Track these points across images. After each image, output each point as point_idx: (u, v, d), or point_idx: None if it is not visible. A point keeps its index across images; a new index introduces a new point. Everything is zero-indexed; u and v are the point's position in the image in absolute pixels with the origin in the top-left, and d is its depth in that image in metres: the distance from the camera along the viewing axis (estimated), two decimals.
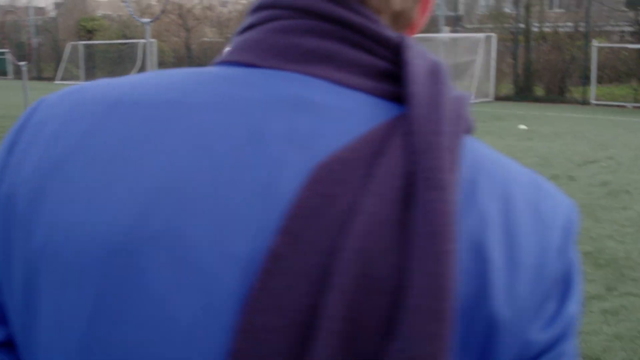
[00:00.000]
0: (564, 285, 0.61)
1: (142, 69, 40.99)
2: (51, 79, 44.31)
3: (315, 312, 0.50)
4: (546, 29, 28.01)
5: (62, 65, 42.69)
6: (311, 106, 0.58)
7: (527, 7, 27.42)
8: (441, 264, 0.51)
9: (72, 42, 43.23)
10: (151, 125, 0.56)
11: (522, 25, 27.16)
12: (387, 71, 0.61)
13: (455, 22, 29.56)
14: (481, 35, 26.70)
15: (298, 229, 0.52)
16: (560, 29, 27.57)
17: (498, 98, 26.63)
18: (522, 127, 16.60)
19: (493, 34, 26.70)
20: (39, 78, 46.78)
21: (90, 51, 43.12)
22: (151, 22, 7.72)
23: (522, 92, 26.29)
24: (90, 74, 42.93)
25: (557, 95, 25.69)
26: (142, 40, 40.60)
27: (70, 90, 0.63)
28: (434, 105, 0.57)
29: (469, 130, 0.62)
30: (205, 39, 41.57)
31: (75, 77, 42.78)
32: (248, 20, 0.65)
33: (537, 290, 0.58)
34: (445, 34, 28.48)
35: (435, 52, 27.45)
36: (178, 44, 42.13)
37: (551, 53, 26.49)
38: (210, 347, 0.52)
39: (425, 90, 0.58)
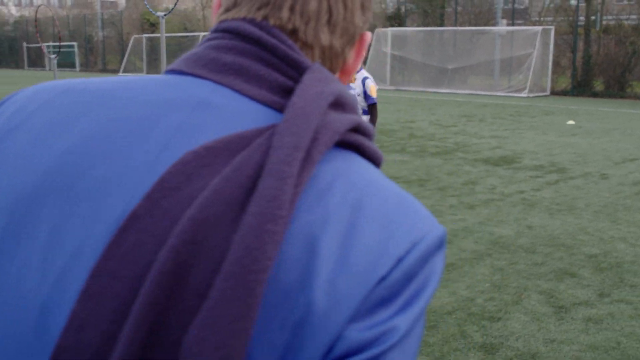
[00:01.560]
0: (405, 298, 0.64)
1: None
2: (116, 71, 45.37)
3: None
4: (609, 22, 26.92)
5: (126, 57, 43.60)
6: (209, 106, 0.69)
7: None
8: (259, 240, 0.58)
9: (136, 35, 44.10)
10: (81, 107, 0.71)
11: (582, 18, 26.15)
12: (288, 88, 0.71)
13: (514, 15, 28.73)
14: (538, 28, 25.90)
15: (157, 197, 0.62)
16: (625, 22, 26.44)
17: (555, 92, 25.79)
18: (570, 122, 16.00)
19: (551, 27, 25.85)
20: (104, 70, 47.97)
21: (152, 44, 43.90)
22: (165, 15, 7.82)
23: (580, 87, 25.36)
24: (152, 66, 43.75)
25: (616, 90, 24.69)
26: (203, 33, 41.16)
27: (47, 82, 0.78)
28: (302, 117, 0.65)
29: (357, 147, 0.72)
30: None
31: (138, 69, 43.76)
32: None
33: (362, 291, 0.61)
34: (502, 27, 27.73)
35: (492, 45, 26.80)
36: None
37: (612, 46, 25.45)
38: (76, 287, 0.62)
39: (302, 105, 0.67)
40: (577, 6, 26.10)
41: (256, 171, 0.62)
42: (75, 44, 49.91)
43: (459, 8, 30.59)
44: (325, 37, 0.75)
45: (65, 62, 50.27)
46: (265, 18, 0.73)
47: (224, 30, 0.75)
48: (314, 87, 0.69)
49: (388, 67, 30.25)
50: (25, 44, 58.84)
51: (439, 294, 4.88)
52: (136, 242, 0.61)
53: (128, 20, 50.41)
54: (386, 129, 14.77)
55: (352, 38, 0.78)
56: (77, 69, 48.65)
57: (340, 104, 0.71)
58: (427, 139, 13.09)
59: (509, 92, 25.86)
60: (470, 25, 29.97)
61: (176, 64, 0.76)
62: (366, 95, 6.14)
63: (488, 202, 7.78)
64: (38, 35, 10.73)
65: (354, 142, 0.71)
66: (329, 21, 0.74)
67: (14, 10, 70.07)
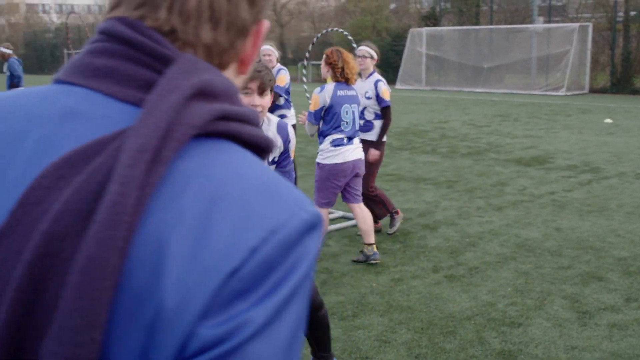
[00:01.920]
0: (265, 288, 0.62)
1: None
2: None
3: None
4: None
5: None
6: (77, 115, 0.69)
7: None
8: (100, 248, 0.58)
9: None
10: None
11: (621, 14, 25.58)
12: (155, 82, 0.69)
13: (551, 12, 28.24)
14: (576, 24, 25.41)
15: (20, 213, 0.63)
16: None
17: (593, 90, 25.28)
18: (608, 121, 15.64)
19: (589, 23, 25.35)
20: None
21: None
22: None
23: (619, 84, 24.80)
24: None
25: None
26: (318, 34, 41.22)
27: None
28: (151, 116, 0.64)
29: (231, 135, 0.71)
30: (303, 34, 41.73)
31: None
32: None
33: (211, 287, 0.60)
34: (539, 24, 27.29)
35: (528, 43, 26.40)
36: (272, 39, 42.62)
37: None
38: None
39: (155, 101, 0.65)
40: (616, 2, 25.53)
41: (106, 177, 0.62)
42: None
43: (495, 6, 30.19)
44: (207, 35, 0.73)
45: None
46: (142, 18, 0.72)
47: (100, 32, 0.75)
48: (174, 79, 0.68)
49: (423, 67, 30.01)
50: (65, 51, 59.91)
51: (458, 298, 4.77)
52: (2, 260, 0.62)
53: None
54: (418, 129, 14.64)
55: (242, 31, 0.76)
56: None
57: (208, 94, 0.70)
58: (459, 140, 12.93)
59: (546, 90, 25.43)
60: (506, 23, 29.56)
61: (59, 72, 0.76)
62: (379, 98, 6.05)
63: (517, 204, 7.62)
64: (69, 41, 10.88)
65: (224, 131, 0.70)
66: (211, 18, 0.73)
67: (55, 18, 71.39)
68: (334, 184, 5.44)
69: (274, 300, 0.62)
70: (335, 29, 6.63)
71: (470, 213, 7.25)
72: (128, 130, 0.64)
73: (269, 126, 3.42)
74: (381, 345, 4.09)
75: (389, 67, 32.48)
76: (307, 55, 7.98)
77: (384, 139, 6.26)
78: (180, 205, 0.63)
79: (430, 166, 10.13)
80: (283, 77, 7.11)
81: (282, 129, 3.44)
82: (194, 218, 0.62)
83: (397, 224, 6.36)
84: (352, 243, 6.21)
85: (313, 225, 0.67)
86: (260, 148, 0.75)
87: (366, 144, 6.12)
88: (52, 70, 62.55)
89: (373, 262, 5.53)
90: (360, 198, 5.67)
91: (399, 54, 30.93)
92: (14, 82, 13.46)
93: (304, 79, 15.48)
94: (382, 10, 35.14)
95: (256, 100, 3.20)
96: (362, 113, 6.17)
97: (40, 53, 63.23)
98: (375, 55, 6.14)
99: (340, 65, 5.33)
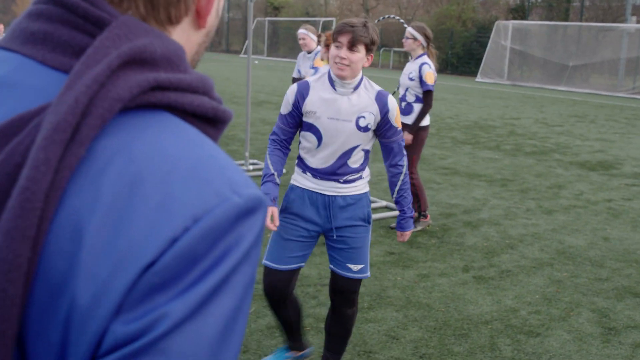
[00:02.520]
0: (187, 281, 0.57)
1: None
2: (238, 52, 46.46)
3: None
4: None
5: (248, 39, 44.54)
6: (7, 86, 0.64)
7: None
8: (7, 238, 0.54)
9: (259, 18, 44.90)
10: None
11: None
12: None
13: None
14: None
15: None
16: None
17: None
18: None
19: None
20: (227, 51, 49.21)
21: (274, 27, 44.60)
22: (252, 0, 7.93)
23: None
24: (273, 50, 44.48)
25: None
26: (324, 19, 41.35)
27: None
28: (70, 91, 0.59)
29: (170, 107, 0.65)
30: (392, 20, 41.35)
31: (259, 51, 44.60)
32: None
33: (125, 281, 0.56)
34: (631, 24, 26.13)
35: (618, 43, 25.37)
36: None
37: None
38: None
39: (77, 72, 0.60)
40: None
41: (24, 159, 0.57)
42: None
43: (587, 3, 29.10)
44: None
45: None
46: None
47: None
48: (103, 47, 0.62)
49: (506, 62, 29.27)
50: None
51: (481, 301, 4.62)
52: None
53: (254, 3, 51.30)
54: (487, 124, 14.28)
55: None
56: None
57: (143, 61, 0.63)
58: (526, 138, 12.54)
59: (632, 93, 24.37)
60: (597, 21, 28.45)
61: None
62: (421, 81, 5.86)
63: (569, 209, 7.33)
64: None
65: (159, 103, 0.64)
66: None
67: None
68: None
69: (196, 293, 0.57)
70: (388, 16, 6.48)
71: (518, 214, 7.01)
72: (49, 106, 0.59)
73: (367, 92, 3.21)
74: (388, 341, 4.00)
75: (471, 58, 31.87)
76: None
77: (426, 123, 6.05)
78: (98, 189, 0.58)
79: (489, 162, 9.87)
80: (319, 60, 7.05)
81: (380, 97, 3.20)
82: (111, 203, 0.57)
83: (419, 227, 6.20)
84: (387, 234, 6.10)
85: (249, 210, 0.61)
86: (208, 119, 0.68)
87: (406, 128, 5.98)
88: None
89: None
90: None
91: (484, 46, 30.27)
92: None
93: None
94: (470, 1, 34.40)
95: (342, 53, 3.05)
96: (404, 95, 6.04)
97: None
98: (418, 37, 5.89)
99: None
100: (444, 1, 35.64)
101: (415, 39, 5.90)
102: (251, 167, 8.56)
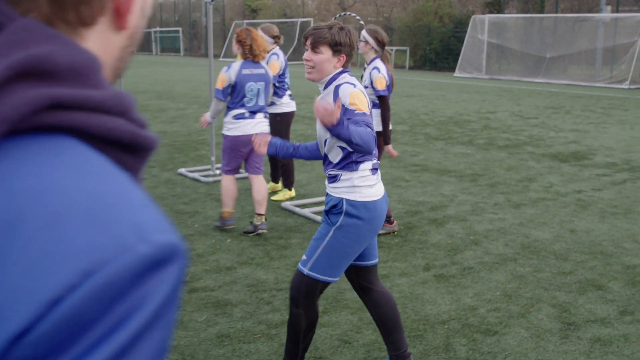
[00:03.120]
0: (75, 352, 0.44)
1: (299, 47, 41.69)
2: (217, 56, 46.30)
3: None
4: None
5: (226, 43, 44.33)
6: None
7: None
8: None
9: (237, 21, 44.73)
10: None
11: None
12: None
13: (619, 1, 27.03)
14: None
15: None
16: None
17: None
18: None
19: None
20: (206, 55, 49.02)
21: None
22: (212, 1, 7.86)
23: None
24: None
25: None
26: (301, 19, 41.20)
27: None
28: None
29: (73, 129, 0.53)
30: (370, 18, 41.30)
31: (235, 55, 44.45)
32: None
33: None
34: (606, 14, 26.18)
35: (594, 33, 25.42)
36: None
37: None
38: None
39: None
40: None
41: None
42: (180, 29, 51.24)
43: None
44: None
45: (170, 47, 51.73)
46: None
47: None
48: None
49: (484, 56, 29.26)
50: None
51: (440, 300, 4.52)
52: None
53: (231, 6, 51.29)
54: (462, 119, 14.21)
55: None
56: (182, 53, 49.92)
57: (41, 73, 0.52)
58: (500, 131, 12.47)
59: (609, 83, 24.40)
60: (572, 12, 28.50)
61: None
62: (373, 87, 5.69)
63: (537, 202, 7.25)
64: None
65: (61, 124, 0.53)
66: None
67: None
68: (235, 153, 5.97)
69: None
70: (347, 13, 6.36)
71: (485, 209, 6.92)
72: None
73: (333, 88, 3.18)
74: (340, 346, 3.89)
75: (449, 54, 31.85)
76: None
77: (389, 127, 5.90)
78: None
79: (460, 158, 9.78)
80: (273, 64, 6.87)
81: (336, 90, 3.18)
82: None
83: (383, 231, 6.00)
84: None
85: (159, 261, 0.49)
86: (124, 145, 0.56)
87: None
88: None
89: (260, 232, 5.90)
90: (260, 171, 6.12)
91: (461, 41, 30.26)
92: None
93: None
94: None
95: (306, 54, 3.14)
96: None
97: None
98: (369, 40, 5.71)
99: (248, 42, 5.83)
100: None
101: (367, 42, 5.73)
102: (217, 172, 8.42)
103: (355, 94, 3.11)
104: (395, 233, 6.04)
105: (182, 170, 8.55)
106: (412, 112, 15.25)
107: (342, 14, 6.59)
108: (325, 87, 3.22)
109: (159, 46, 53.09)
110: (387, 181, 8.16)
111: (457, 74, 29.06)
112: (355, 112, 3.08)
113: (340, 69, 3.22)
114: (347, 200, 3.16)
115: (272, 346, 3.85)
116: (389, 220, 6.03)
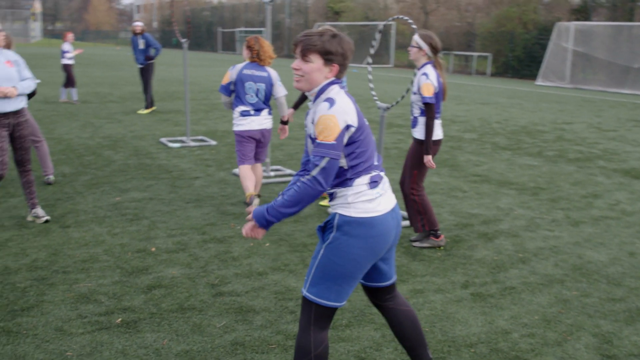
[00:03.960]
0: None
1: (380, 50, 41.37)
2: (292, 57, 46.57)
3: None
4: None
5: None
6: None
7: None
8: None
9: (319, 23, 44.85)
10: None
11: None
12: None
13: None
14: None
15: None
16: None
17: None
18: None
19: None
20: (289, 56, 49.40)
21: None
22: (271, 1, 7.86)
23: None
24: None
25: None
26: (383, 22, 40.96)
27: None
28: None
29: None
30: (456, 22, 40.65)
31: None
32: None
33: None
34: None
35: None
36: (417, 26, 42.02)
37: None
38: None
39: None
40: None
41: None
42: (263, 29, 51.79)
43: None
44: None
45: None
46: None
47: None
48: None
49: (568, 64, 28.27)
50: (220, 29, 62.06)
51: (472, 321, 4.26)
52: None
53: (314, 8, 51.51)
54: (536, 129, 13.70)
55: None
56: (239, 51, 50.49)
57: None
58: (573, 143, 11.93)
59: None
60: None
61: None
62: (420, 94, 5.44)
63: (599, 220, 6.83)
64: (174, 20, 11.02)
65: None
66: None
67: None
68: (245, 147, 6.64)
69: None
70: (398, 17, 6.14)
71: (541, 225, 6.56)
72: None
73: (321, 102, 2.95)
74: None
75: (532, 61, 30.94)
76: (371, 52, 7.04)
77: (437, 137, 5.65)
78: None
79: (525, 170, 9.38)
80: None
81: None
82: None
83: (427, 245, 5.78)
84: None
85: None
86: None
87: (416, 142, 5.65)
88: (207, 46, 65.12)
89: (252, 207, 6.32)
90: (262, 161, 6.90)
91: (545, 48, 29.34)
92: (149, 54, 14.05)
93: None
94: (531, 2, 33.42)
95: (295, 63, 2.93)
96: (412, 108, 5.70)
97: (197, 30, 65.95)
98: (423, 46, 5.49)
99: (256, 48, 6.57)
100: (505, 3, 34.73)
101: (420, 47, 5.51)
102: (272, 174, 8.35)
103: (326, 119, 2.80)
104: (442, 248, 5.78)
105: (236, 170, 8.51)
106: (484, 120, 14.81)
107: (396, 17, 6.36)
108: (314, 99, 2.95)
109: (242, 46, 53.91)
110: (443, 191, 7.88)
111: (539, 82, 28.19)
112: (317, 141, 2.81)
113: (331, 79, 2.96)
114: (340, 215, 2.93)
115: (286, 359, 3.69)
116: (435, 234, 5.78)
